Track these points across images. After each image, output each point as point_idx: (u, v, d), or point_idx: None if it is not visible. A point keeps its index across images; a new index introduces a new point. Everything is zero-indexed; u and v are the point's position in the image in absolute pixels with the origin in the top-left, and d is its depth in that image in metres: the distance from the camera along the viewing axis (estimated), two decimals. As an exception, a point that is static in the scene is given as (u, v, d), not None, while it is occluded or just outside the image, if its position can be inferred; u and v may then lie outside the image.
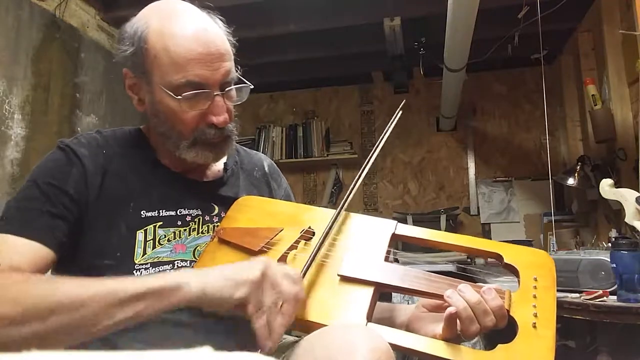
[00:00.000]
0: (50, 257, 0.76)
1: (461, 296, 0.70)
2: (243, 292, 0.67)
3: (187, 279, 0.67)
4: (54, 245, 0.77)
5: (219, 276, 0.68)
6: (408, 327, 0.83)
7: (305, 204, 1.03)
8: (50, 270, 0.80)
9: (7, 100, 2.15)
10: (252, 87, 0.88)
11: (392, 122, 0.95)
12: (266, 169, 1.06)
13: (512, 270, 0.79)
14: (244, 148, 1.07)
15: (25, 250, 0.74)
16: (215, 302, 0.67)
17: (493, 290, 0.71)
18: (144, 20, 0.83)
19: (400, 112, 0.96)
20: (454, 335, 0.70)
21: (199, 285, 0.67)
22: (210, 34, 0.81)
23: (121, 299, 0.64)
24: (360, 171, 0.91)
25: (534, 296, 0.72)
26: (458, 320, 0.69)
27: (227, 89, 0.84)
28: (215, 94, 0.81)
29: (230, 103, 0.86)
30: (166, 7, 0.84)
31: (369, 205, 3.77)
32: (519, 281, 0.76)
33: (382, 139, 0.92)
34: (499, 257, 0.80)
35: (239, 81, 0.87)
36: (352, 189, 0.89)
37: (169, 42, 0.79)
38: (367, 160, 0.91)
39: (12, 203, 0.80)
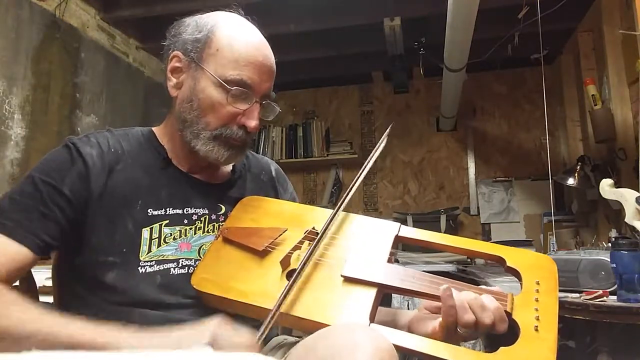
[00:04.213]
0: (29, 259, 0.77)
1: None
2: None
3: (126, 345, 0.65)
4: (35, 247, 0.77)
5: (160, 347, 0.65)
6: (409, 329, 0.83)
7: (305, 204, 1.04)
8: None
9: (7, 100, 2.15)
10: (280, 111, 0.96)
11: (382, 140, 0.99)
12: (273, 173, 1.08)
13: (515, 274, 0.79)
14: (252, 152, 1.09)
15: (2, 250, 0.75)
16: None
17: (493, 297, 0.72)
18: (215, 18, 0.91)
19: (386, 138, 1.00)
20: (451, 325, 0.71)
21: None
22: (269, 51, 0.91)
23: (52, 346, 0.64)
24: (360, 172, 0.93)
25: (536, 300, 0.73)
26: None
27: (264, 102, 0.90)
28: (256, 100, 0.87)
29: (261, 115, 0.90)
30: (238, 17, 0.93)
31: (369, 205, 3.77)
32: (521, 284, 0.77)
33: (373, 154, 0.95)
34: (501, 260, 0.81)
35: (272, 101, 0.93)
36: (351, 188, 0.90)
37: (236, 42, 0.87)
38: (365, 165, 0.94)
39: (7, 195, 0.81)
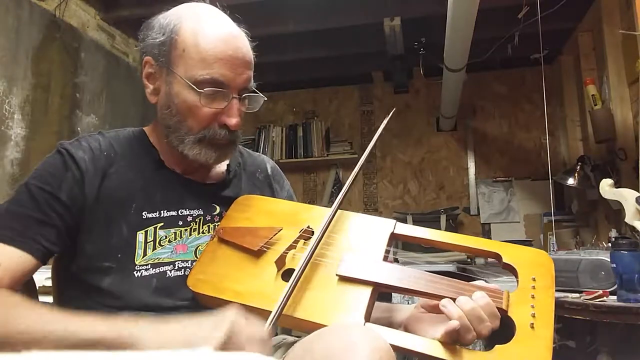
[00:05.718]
0: (32, 265, 0.77)
1: (457, 305, 0.70)
2: None
3: (144, 335, 0.65)
4: (37, 253, 0.77)
5: (178, 337, 0.65)
6: (406, 328, 0.83)
7: (305, 204, 1.03)
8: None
9: (7, 100, 2.15)
10: (266, 99, 0.91)
11: (383, 125, 0.98)
12: (269, 171, 1.06)
13: (511, 270, 0.79)
14: (247, 150, 1.07)
15: (5, 258, 0.74)
16: None
17: (485, 293, 0.71)
18: (178, 15, 0.86)
19: (386, 121, 0.99)
20: (452, 340, 0.70)
21: (155, 346, 0.64)
22: (240, 41, 0.85)
23: (72, 345, 0.63)
24: (357, 167, 0.93)
25: (532, 296, 0.72)
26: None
27: (244, 95, 0.86)
28: (233, 96, 0.84)
29: (244, 109, 0.88)
30: (202, 9, 0.87)
31: (369, 205, 3.77)
32: (517, 281, 0.76)
33: (374, 140, 0.96)
34: (497, 256, 0.80)
35: (255, 92, 0.89)
36: (349, 184, 0.89)
37: (201, 39, 0.82)
38: (362, 158, 0.95)
39: (3, 206, 0.81)
